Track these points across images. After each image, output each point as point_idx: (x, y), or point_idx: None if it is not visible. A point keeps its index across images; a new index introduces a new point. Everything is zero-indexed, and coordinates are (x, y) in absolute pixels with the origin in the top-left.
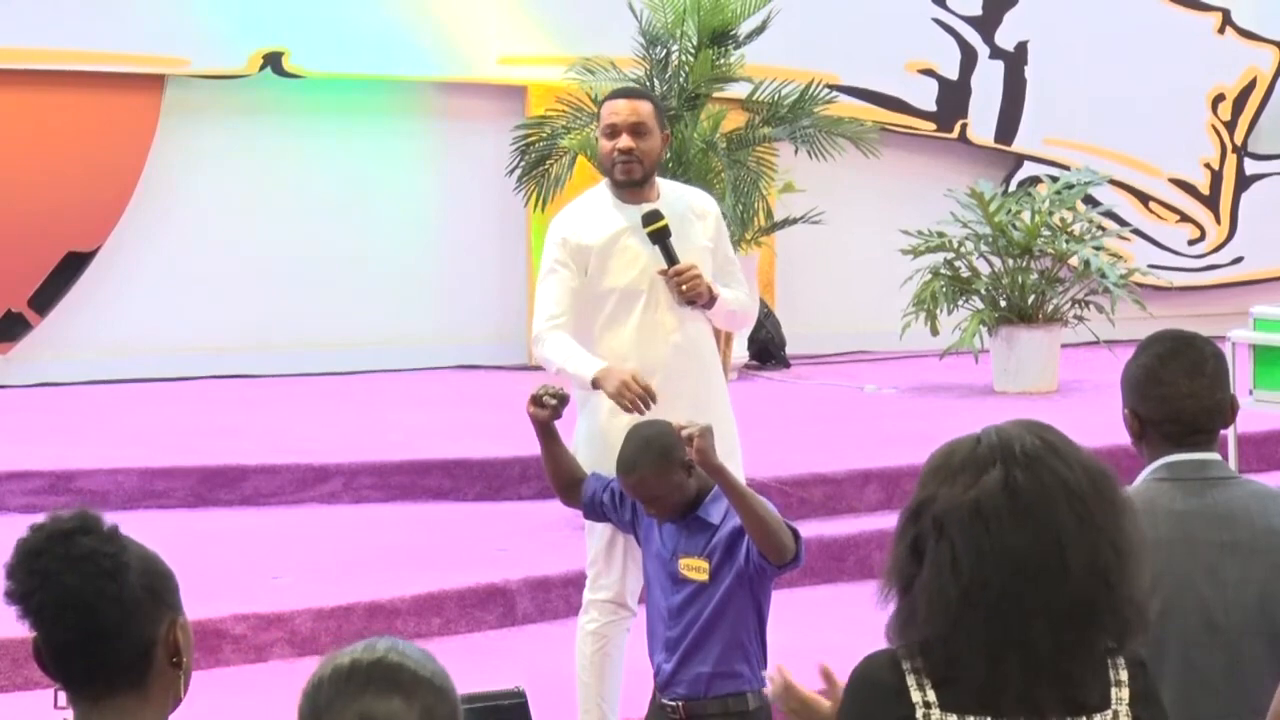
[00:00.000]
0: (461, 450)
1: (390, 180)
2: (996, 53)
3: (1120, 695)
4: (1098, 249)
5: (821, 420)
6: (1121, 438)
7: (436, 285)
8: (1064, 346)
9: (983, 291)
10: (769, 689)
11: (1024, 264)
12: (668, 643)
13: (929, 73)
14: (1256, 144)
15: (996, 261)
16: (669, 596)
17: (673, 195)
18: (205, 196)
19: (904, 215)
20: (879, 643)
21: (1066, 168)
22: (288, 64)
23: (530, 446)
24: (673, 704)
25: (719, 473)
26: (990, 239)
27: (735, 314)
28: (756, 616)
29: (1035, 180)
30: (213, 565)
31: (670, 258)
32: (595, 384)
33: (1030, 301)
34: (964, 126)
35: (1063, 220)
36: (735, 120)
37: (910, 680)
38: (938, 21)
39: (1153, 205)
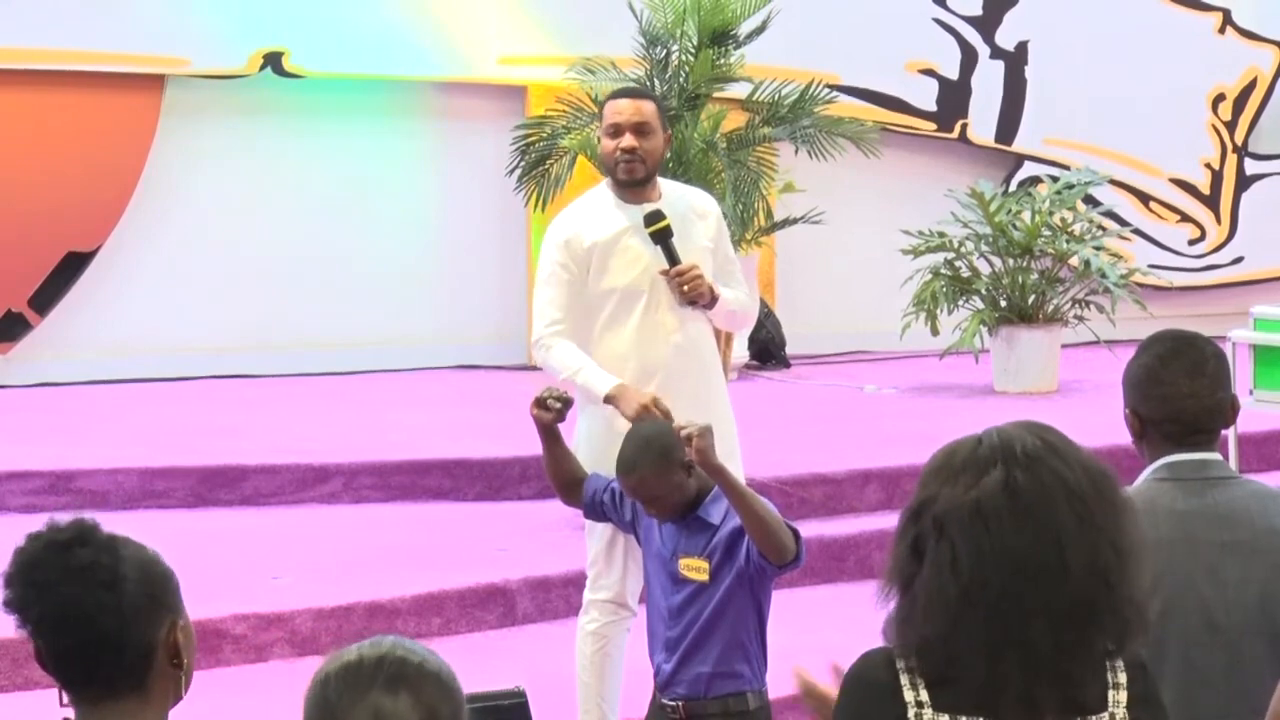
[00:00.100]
0: (461, 450)
1: (390, 180)
2: (997, 53)
3: (1118, 698)
4: (1098, 249)
5: (822, 420)
6: (1122, 438)
7: (436, 285)
8: (1064, 346)
9: (983, 291)
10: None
11: (1024, 264)
12: (668, 643)
13: (929, 73)
14: (1257, 144)
15: (997, 261)
16: (669, 596)
17: (674, 195)
18: (205, 196)
19: (904, 215)
20: (879, 643)
21: (1067, 168)
22: (288, 64)
23: (530, 446)
24: (673, 704)
25: (719, 472)
26: (990, 239)
27: (736, 314)
28: (757, 616)
29: (1035, 180)
30: (213, 565)
31: (672, 258)
32: (608, 401)
33: (1030, 301)
34: (964, 126)
35: (1063, 220)
36: (735, 120)
37: (904, 680)
38: (938, 21)
39: (1153, 205)
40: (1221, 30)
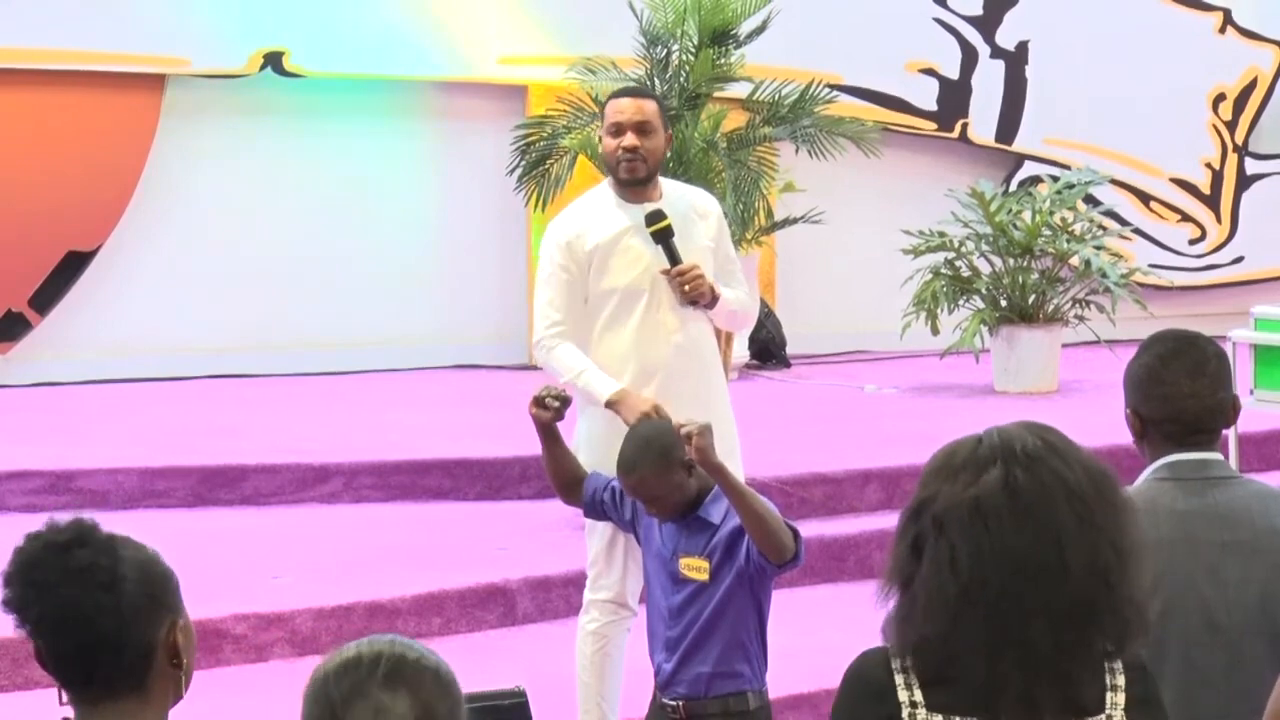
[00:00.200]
0: (461, 450)
1: (390, 180)
2: (997, 52)
3: (1115, 700)
4: (1098, 249)
5: (822, 420)
6: (1122, 437)
7: (436, 285)
8: (1064, 346)
9: (983, 291)
10: None
11: (1025, 264)
12: (668, 642)
13: (930, 72)
14: (1257, 144)
15: (997, 261)
16: (669, 596)
17: (675, 195)
18: (205, 196)
19: (904, 215)
20: (879, 643)
21: (1067, 167)
22: (288, 64)
23: (530, 446)
24: (673, 704)
25: (719, 472)
26: (991, 239)
27: (736, 314)
28: (757, 616)
29: (1036, 180)
30: (213, 565)
31: (673, 257)
32: (610, 406)
33: (1031, 301)
34: (965, 126)
35: (1063, 220)
36: (736, 120)
37: (898, 679)
38: (938, 21)
39: (1153, 205)
40: (1222, 30)
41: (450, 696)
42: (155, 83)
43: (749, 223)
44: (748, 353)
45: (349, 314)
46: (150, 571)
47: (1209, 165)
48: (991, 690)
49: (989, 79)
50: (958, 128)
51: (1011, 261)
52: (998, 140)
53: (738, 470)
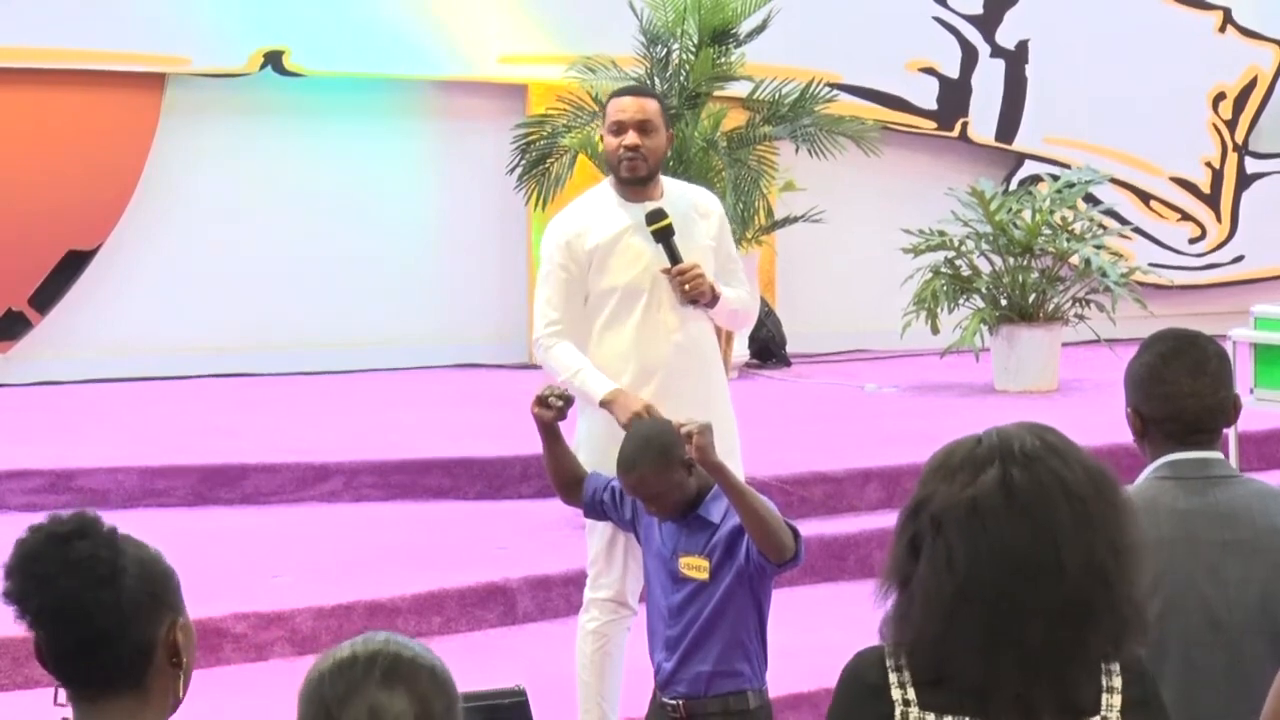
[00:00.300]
0: (462, 449)
1: (390, 180)
2: (997, 51)
3: (1111, 702)
4: (1098, 248)
5: (822, 419)
6: (1122, 436)
7: (436, 285)
8: (1065, 345)
9: (983, 290)
10: None
11: (1025, 263)
12: (668, 641)
13: (930, 71)
14: (1257, 143)
15: (997, 260)
16: (669, 595)
17: (676, 194)
18: (205, 196)
19: (905, 214)
20: (879, 642)
21: (1067, 166)
22: (288, 63)
23: (530, 445)
24: (673, 703)
25: (718, 471)
26: (991, 238)
27: (737, 313)
28: (757, 615)
29: (1036, 179)
30: (213, 565)
31: (674, 256)
32: (604, 405)
33: (1031, 300)
34: (965, 125)
35: (1064, 219)
36: (736, 119)
37: (893, 677)
38: (938, 20)
39: (1153, 204)
40: (1222, 29)
41: (447, 695)
42: (155, 82)
43: (749, 222)
44: (748, 352)
45: (349, 314)
46: (152, 569)
47: (1209, 164)
48: (987, 690)
49: (989, 78)
50: (958, 127)
51: (1011, 260)
52: (998, 139)
53: (738, 469)
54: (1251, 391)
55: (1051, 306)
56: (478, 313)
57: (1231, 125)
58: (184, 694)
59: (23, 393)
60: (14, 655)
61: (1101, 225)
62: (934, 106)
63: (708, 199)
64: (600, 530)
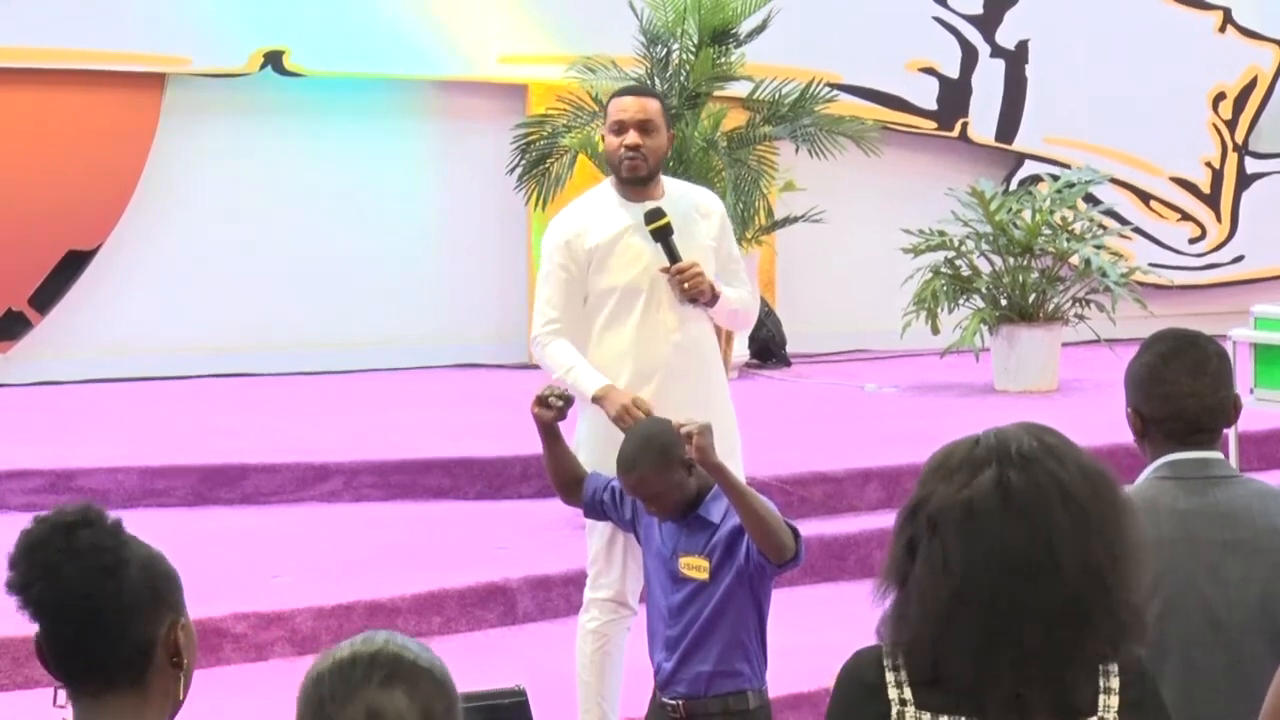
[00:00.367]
0: (462, 449)
1: (390, 180)
2: (997, 51)
3: (1109, 703)
4: (1098, 248)
5: (822, 419)
6: (1122, 436)
7: (436, 285)
8: (1065, 345)
9: (983, 290)
10: None
11: (1025, 263)
12: (668, 641)
13: (930, 71)
14: (1257, 143)
15: (997, 260)
16: (669, 595)
17: (677, 193)
18: (205, 196)
19: (905, 214)
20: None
21: (1067, 166)
22: (288, 63)
23: (530, 445)
24: (673, 703)
25: (718, 471)
26: (991, 238)
27: (737, 313)
28: (757, 615)
29: (1036, 179)
30: (213, 565)
31: (672, 255)
32: (596, 401)
33: (1031, 300)
34: (965, 125)
35: (1064, 219)
36: (736, 119)
37: (889, 676)
38: (939, 20)
39: (1153, 204)
40: (1222, 29)
41: (446, 696)
42: (155, 82)
43: (749, 222)
44: (748, 352)
45: (349, 314)
46: (156, 567)
47: (1209, 164)
48: (983, 691)
49: (989, 78)
50: (958, 127)
51: (1011, 260)
52: (998, 139)
53: (738, 469)
54: (1251, 391)
55: (1051, 306)
56: (478, 313)
57: (1231, 125)
58: (185, 696)
59: (23, 393)
60: (14, 655)
61: (1101, 225)
62: (934, 106)
63: (709, 199)
64: (600, 530)
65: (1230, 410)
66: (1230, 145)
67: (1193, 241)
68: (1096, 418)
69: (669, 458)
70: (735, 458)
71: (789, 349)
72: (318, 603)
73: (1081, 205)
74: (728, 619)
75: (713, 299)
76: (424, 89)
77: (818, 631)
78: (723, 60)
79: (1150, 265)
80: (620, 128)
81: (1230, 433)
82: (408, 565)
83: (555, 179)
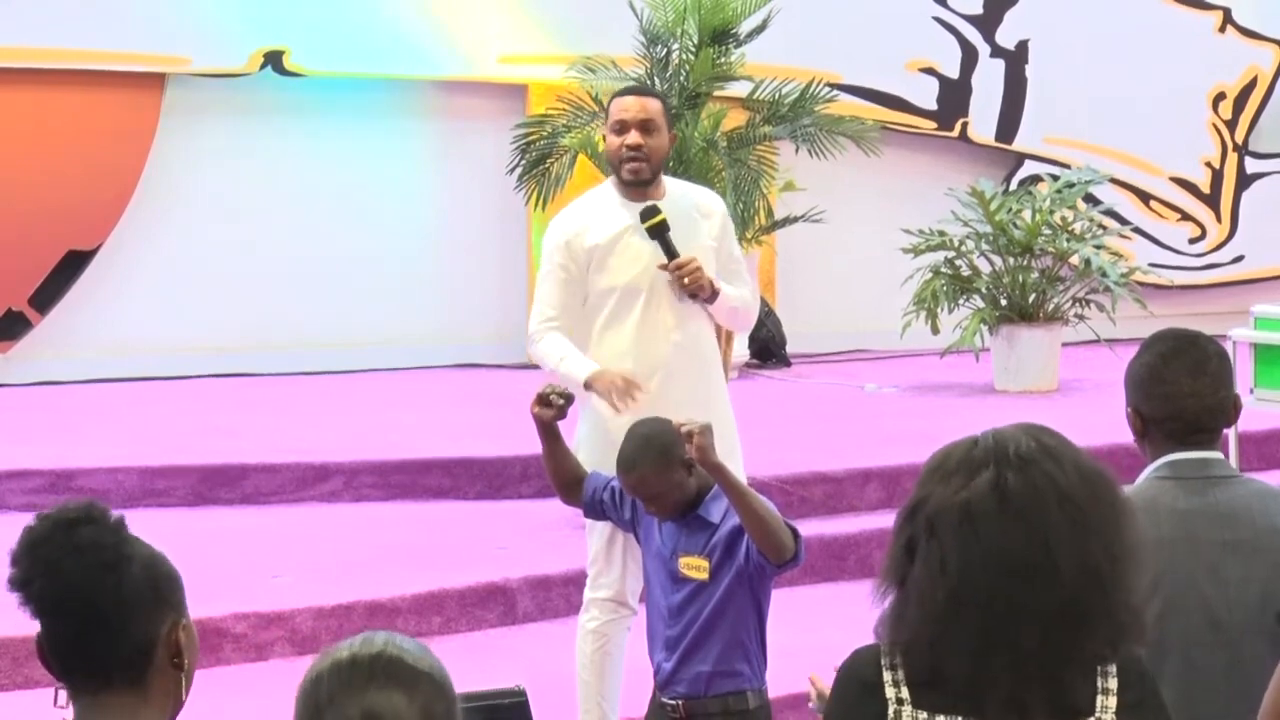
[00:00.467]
0: (462, 449)
1: (390, 180)
2: (997, 51)
3: (1106, 704)
4: (1098, 248)
5: (822, 419)
6: (1122, 436)
7: (436, 285)
8: (1065, 345)
9: (983, 290)
10: (812, 703)
11: (1025, 263)
12: (668, 641)
13: (930, 71)
14: (1257, 143)
15: (997, 260)
16: (669, 595)
17: (678, 193)
18: (205, 196)
19: (905, 214)
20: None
21: (1067, 166)
22: (288, 63)
23: (530, 445)
24: (673, 703)
25: (718, 471)
26: (991, 238)
27: (737, 311)
28: (756, 615)
29: (1036, 179)
30: (213, 564)
31: (669, 252)
32: (588, 387)
33: (1031, 300)
34: (965, 125)
35: (1063, 219)
36: (736, 119)
37: (887, 676)
38: (938, 20)
39: (1153, 204)
40: (1222, 29)
41: (446, 697)
42: (155, 82)
43: (749, 222)
44: (748, 352)
45: (349, 314)
46: (157, 566)
47: (1209, 164)
48: (980, 691)
49: (989, 78)
50: (958, 127)
51: (1011, 260)
52: (998, 139)
53: (738, 469)
54: (1251, 391)
55: (1051, 306)
56: (478, 313)
57: (1231, 125)
58: (185, 697)
59: (23, 393)
60: (14, 655)
61: (1101, 225)
62: (934, 106)
63: (710, 199)
64: (600, 530)
65: (1230, 410)
66: (1230, 145)
67: (1193, 241)
68: (1096, 418)
69: (669, 458)
70: (735, 458)
71: (789, 349)
72: (318, 603)
73: (1081, 205)
74: (727, 619)
75: (712, 295)
76: (424, 89)
77: (818, 631)
78: (723, 60)
79: (1150, 265)
80: (622, 127)
81: (1230, 433)
82: (408, 565)
83: (555, 179)
